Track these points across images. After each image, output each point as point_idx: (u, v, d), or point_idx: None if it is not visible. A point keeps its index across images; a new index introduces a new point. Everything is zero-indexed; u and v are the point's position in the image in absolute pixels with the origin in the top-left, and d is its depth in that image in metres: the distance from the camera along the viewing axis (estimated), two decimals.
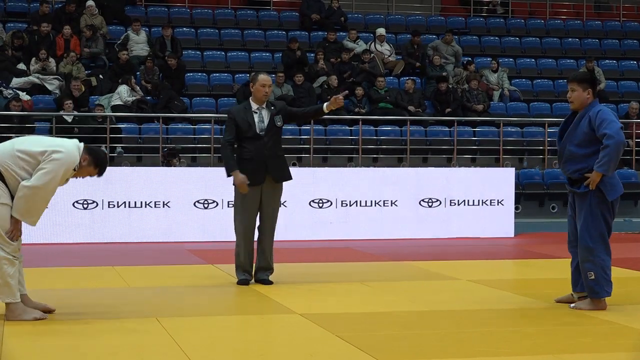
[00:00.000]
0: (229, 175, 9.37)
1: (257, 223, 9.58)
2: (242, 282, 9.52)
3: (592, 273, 7.99)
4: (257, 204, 9.45)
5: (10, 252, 7.43)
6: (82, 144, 7.56)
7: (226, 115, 10.00)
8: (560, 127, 8.31)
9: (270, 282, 9.56)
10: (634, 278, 10.49)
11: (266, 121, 9.44)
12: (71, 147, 7.47)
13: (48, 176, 7.29)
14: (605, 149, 7.79)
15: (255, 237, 9.61)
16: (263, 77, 9.48)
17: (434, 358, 6.40)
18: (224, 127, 9.77)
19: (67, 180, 7.56)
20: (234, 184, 9.39)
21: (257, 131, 9.38)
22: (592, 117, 7.92)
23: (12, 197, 7.39)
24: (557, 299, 8.43)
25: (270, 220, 9.56)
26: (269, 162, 9.40)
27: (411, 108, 18.54)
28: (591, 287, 8.04)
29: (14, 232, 7.42)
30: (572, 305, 8.15)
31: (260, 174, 9.34)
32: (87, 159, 7.55)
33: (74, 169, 7.45)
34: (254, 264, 9.65)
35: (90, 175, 7.75)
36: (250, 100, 9.56)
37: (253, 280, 9.60)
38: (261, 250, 9.59)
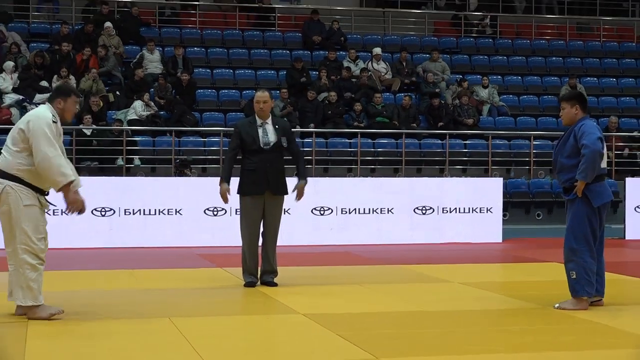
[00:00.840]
0: (219, 184, 9.51)
1: (261, 230, 9.60)
2: (249, 284, 9.53)
3: (574, 272, 8.01)
4: (260, 212, 9.47)
5: (35, 259, 7.37)
6: (48, 107, 7.49)
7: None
8: (557, 142, 8.43)
9: (275, 284, 9.57)
10: (614, 280, 10.49)
11: (270, 135, 9.44)
12: (38, 110, 7.48)
13: (40, 145, 7.17)
14: (582, 158, 7.88)
15: (260, 243, 9.63)
16: (258, 95, 9.57)
17: (428, 355, 6.41)
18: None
19: (70, 118, 7.65)
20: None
21: (261, 145, 9.39)
22: (577, 131, 8.00)
23: (38, 190, 7.35)
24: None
25: (272, 228, 9.58)
26: (270, 176, 9.42)
27: (395, 123, 18.57)
28: (572, 285, 8.06)
29: (75, 204, 7.38)
30: (557, 305, 8.16)
31: (261, 185, 9.38)
32: (59, 101, 7.51)
33: (54, 121, 7.32)
34: (260, 268, 9.66)
35: (77, 105, 7.72)
36: (255, 116, 9.58)
37: (259, 283, 9.61)
38: (265, 254, 9.60)
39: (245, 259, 9.56)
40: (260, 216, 9.51)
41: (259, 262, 9.65)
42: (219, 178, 9.66)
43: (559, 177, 8.22)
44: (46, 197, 7.59)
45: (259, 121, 9.50)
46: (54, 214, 13.56)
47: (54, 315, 7.48)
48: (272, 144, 9.42)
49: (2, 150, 7.46)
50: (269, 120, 9.54)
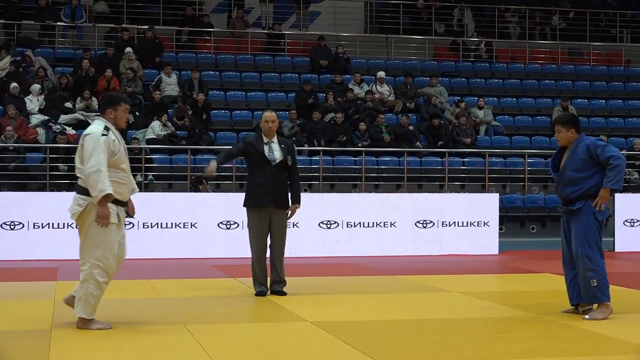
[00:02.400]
0: (209, 162, 9.43)
1: (269, 242, 9.56)
2: (260, 293, 9.48)
3: (595, 280, 7.95)
4: (267, 225, 9.42)
5: (104, 277, 7.36)
6: (99, 120, 7.48)
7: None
8: (552, 159, 8.39)
9: (284, 293, 9.53)
10: None
11: (275, 153, 9.43)
12: (91, 127, 7.42)
13: (85, 161, 7.18)
14: (615, 168, 7.84)
15: (268, 254, 9.59)
16: (266, 115, 9.56)
17: None
18: (244, 158, 9.75)
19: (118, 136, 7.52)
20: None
21: (268, 159, 9.38)
22: (591, 146, 7.97)
23: (119, 202, 7.40)
24: (563, 310, 8.32)
25: (279, 240, 9.52)
26: (274, 190, 9.39)
27: (387, 138, 18.55)
28: (594, 293, 7.98)
29: (102, 219, 7.21)
30: (587, 316, 8.02)
31: (267, 198, 9.34)
32: (110, 111, 7.47)
33: (103, 134, 7.27)
34: (269, 277, 9.61)
35: (128, 112, 7.71)
36: (262, 134, 9.56)
37: (269, 292, 9.57)
38: (273, 265, 9.56)
39: (255, 269, 9.51)
40: (267, 229, 9.47)
41: (268, 272, 9.59)
42: (244, 194, 9.58)
43: (565, 190, 8.08)
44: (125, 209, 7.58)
45: (265, 139, 9.48)
46: (76, 228, 13.57)
47: (101, 329, 7.37)
48: (277, 160, 9.41)
49: (77, 173, 7.43)
50: (275, 140, 9.52)
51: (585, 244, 7.97)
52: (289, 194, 9.58)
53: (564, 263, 8.27)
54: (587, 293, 8.04)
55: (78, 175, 7.38)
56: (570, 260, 8.17)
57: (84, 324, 7.37)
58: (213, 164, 9.32)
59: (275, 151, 9.46)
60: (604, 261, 8.04)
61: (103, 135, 7.27)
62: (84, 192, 7.28)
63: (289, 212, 9.58)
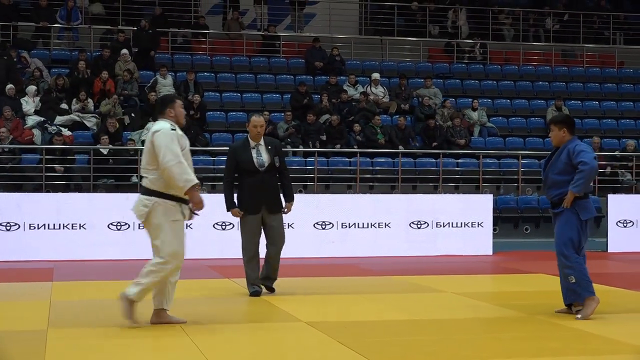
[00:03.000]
0: (228, 210, 9.54)
1: (263, 242, 9.63)
2: (254, 294, 9.51)
3: (573, 277, 8.02)
4: (259, 228, 9.50)
5: (175, 276, 7.57)
6: (162, 119, 7.55)
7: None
8: (545, 160, 8.45)
9: (273, 290, 9.66)
10: (598, 291, 10.44)
11: (264, 156, 9.46)
12: (157, 125, 7.48)
13: (161, 157, 7.28)
14: (580, 173, 7.93)
15: (263, 254, 9.67)
16: (254, 119, 9.56)
17: None
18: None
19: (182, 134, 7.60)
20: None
21: (257, 166, 9.42)
22: (571, 150, 8.05)
23: (182, 199, 7.43)
24: (557, 310, 8.35)
25: (277, 239, 9.57)
26: (266, 195, 9.45)
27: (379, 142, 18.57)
28: (574, 289, 8.06)
29: (200, 204, 7.46)
30: (579, 316, 8.06)
31: (258, 204, 9.41)
32: (170, 110, 7.57)
33: (172, 129, 7.42)
34: (262, 272, 9.66)
35: (183, 110, 7.75)
36: (248, 138, 9.58)
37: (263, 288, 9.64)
38: (267, 261, 9.62)
39: (247, 272, 9.57)
40: (259, 231, 9.54)
41: (261, 270, 9.65)
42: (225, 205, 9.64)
43: (549, 192, 8.22)
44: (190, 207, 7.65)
45: (252, 143, 9.52)
46: (72, 228, 13.58)
47: (177, 323, 7.56)
48: (266, 164, 9.43)
49: (142, 174, 7.52)
50: (262, 142, 9.55)
51: (561, 243, 8.08)
52: (282, 194, 9.65)
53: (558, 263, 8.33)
54: (568, 291, 8.11)
55: (144, 175, 7.47)
56: None
57: (161, 316, 7.58)
58: (234, 211, 9.47)
59: (262, 154, 9.48)
60: (582, 258, 8.08)
61: (172, 130, 7.41)
62: (149, 192, 7.41)
63: (285, 210, 9.64)
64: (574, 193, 7.94)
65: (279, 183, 9.66)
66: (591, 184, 8.25)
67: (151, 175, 7.40)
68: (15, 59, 19.22)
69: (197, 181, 7.36)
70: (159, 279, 7.43)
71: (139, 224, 13.59)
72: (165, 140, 7.31)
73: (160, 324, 7.51)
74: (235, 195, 9.59)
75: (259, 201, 9.42)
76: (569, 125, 8.28)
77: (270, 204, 9.49)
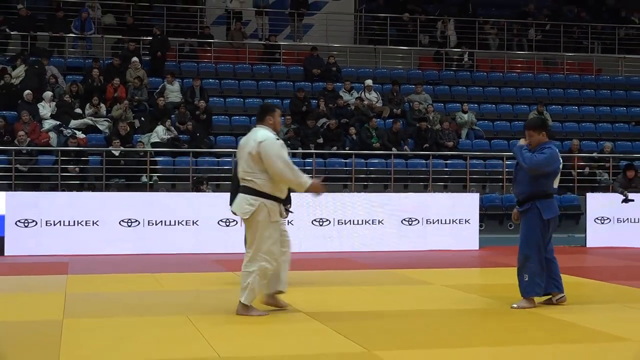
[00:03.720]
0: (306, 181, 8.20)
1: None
2: None
3: (527, 276, 8.05)
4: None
5: (270, 270, 7.63)
6: (261, 126, 7.69)
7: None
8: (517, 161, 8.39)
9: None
10: (577, 283, 10.47)
11: None
12: (261, 133, 7.57)
13: (272, 163, 7.42)
14: (532, 156, 7.96)
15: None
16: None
17: (414, 348, 6.39)
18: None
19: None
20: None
21: None
22: (536, 151, 8.05)
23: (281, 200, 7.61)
24: (538, 302, 8.32)
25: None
26: None
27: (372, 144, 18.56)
28: (524, 287, 8.09)
29: (322, 190, 7.80)
30: (514, 305, 8.12)
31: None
32: (269, 118, 7.71)
33: (277, 139, 7.62)
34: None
35: (280, 118, 7.92)
36: None
37: None
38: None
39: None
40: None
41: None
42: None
43: (516, 190, 8.23)
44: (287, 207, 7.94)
45: None
46: (86, 225, 13.57)
47: (260, 315, 7.66)
48: None
49: (244, 177, 7.60)
50: None
51: (525, 243, 8.07)
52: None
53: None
54: (521, 287, 8.13)
55: (247, 178, 7.55)
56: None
57: (245, 310, 7.62)
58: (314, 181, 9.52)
59: None
60: (539, 261, 8.06)
61: (277, 139, 7.61)
62: (255, 193, 7.51)
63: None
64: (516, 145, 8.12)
65: None
66: (556, 185, 8.16)
67: (258, 179, 7.51)
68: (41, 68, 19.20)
69: (310, 180, 7.59)
70: (260, 276, 7.56)
71: (148, 221, 13.70)
72: (273, 149, 7.45)
73: (248, 315, 7.62)
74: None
75: None
76: (547, 129, 8.29)
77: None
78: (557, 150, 8.17)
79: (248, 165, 7.52)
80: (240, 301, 7.63)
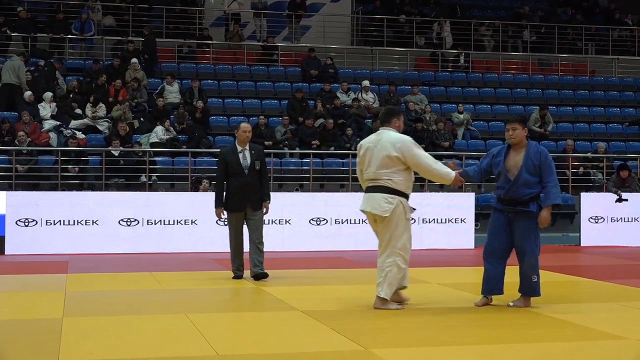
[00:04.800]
0: (215, 208, 10.19)
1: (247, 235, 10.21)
2: (237, 277, 10.22)
3: (535, 276, 7.99)
4: (242, 223, 10.16)
5: (405, 264, 7.84)
6: (387, 128, 7.89)
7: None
8: (494, 155, 8.16)
9: (266, 274, 10.04)
10: (572, 282, 10.47)
11: (248, 160, 10.04)
12: (394, 135, 7.82)
13: (417, 159, 7.69)
14: (555, 187, 7.84)
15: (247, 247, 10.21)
16: (243, 125, 10.22)
17: (411, 346, 6.37)
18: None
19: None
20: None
21: (242, 169, 9.98)
22: (542, 156, 7.88)
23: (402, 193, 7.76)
24: (477, 303, 8.20)
25: (256, 234, 10.12)
26: (249, 195, 10.03)
27: None
28: (533, 287, 8.01)
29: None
30: (511, 303, 8.10)
31: (242, 203, 10.02)
32: (395, 120, 7.96)
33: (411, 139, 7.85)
34: (249, 264, 10.14)
35: (402, 122, 8.10)
36: (236, 143, 10.17)
37: (250, 276, 10.08)
38: (252, 254, 10.08)
39: (232, 257, 10.26)
40: (242, 226, 10.18)
41: (243, 260, 10.28)
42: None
43: (520, 190, 7.87)
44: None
45: (239, 148, 10.11)
46: (85, 224, 13.55)
47: (397, 309, 7.80)
48: (249, 167, 9.98)
49: (378, 177, 7.79)
50: (247, 147, 10.11)
51: (533, 244, 7.93)
52: (262, 194, 10.18)
53: (491, 258, 8.10)
54: (528, 287, 8.02)
55: (385, 177, 7.75)
56: (501, 255, 8.07)
57: (383, 304, 7.79)
58: (218, 210, 10.17)
59: (247, 157, 10.05)
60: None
61: (411, 139, 7.82)
62: (392, 191, 7.74)
63: (264, 209, 10.18)
64: (558, 204, 7.92)
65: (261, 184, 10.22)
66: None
67: (396, 178, 7.73)
68: (50, 69, 19.17)
69: (453, 172, 7.81)
70: (396, 270, 7.75)
71: (147, 220, 13.67)
72: (414, 147, 7.72)
73: (385, 309, 7.77)
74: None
75: (243, 200, 10.01)
76: (526, 124, 8.24)
77: (252, 203, 10.06)
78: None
79: (383, 165, 7.75)
80: (378, 295, 7.79)
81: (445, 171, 7.79)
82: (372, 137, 7.99)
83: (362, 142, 8.03)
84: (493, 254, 8.09)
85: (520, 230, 7.95)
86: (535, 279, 7.97)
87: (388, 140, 7.74)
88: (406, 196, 7.81)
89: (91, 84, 18.88)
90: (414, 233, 14.35)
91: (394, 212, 7.73)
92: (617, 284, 10.09)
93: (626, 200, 15.69)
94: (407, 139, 7.81)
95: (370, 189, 7.87)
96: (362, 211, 8.07)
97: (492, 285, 8.12)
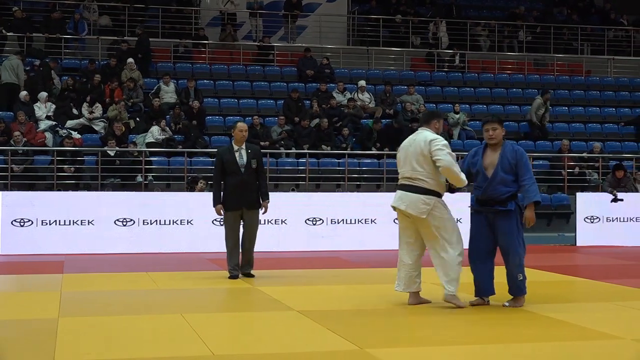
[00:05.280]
0: (214, 206, 10.20)
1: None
2: (233, 276, 10.22)
3: (521, 275, 8.02)
4: (239, 222, 10.21)
5: (461, 257, 7.91)
6: (426, 129, 8.03)
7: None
8: (471, 157, 8.20)
9: (252, 275, 10.24)
10: (568, 282, 10.48)
11: (245, 159, 10.12)
12: (427, 135, 7.94)
13: (441, 157, 7.77)
14: (532, 185, 7.87)
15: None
16: (240, 125, 10.30)
17: (407, 346, 6.37)
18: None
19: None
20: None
21: (239, 167, 10.06)
22: (518, 154, 7.94)
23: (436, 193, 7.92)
24: (472, 302, 8.21)
25: (250, 233, 10.25)
26: (246, 194, 10.10)
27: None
28: (519, 286, 8.04)
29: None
30: (507, 303, 8.10)
31: (239, 202, 10.09)
32: (435, 122, 8.12)
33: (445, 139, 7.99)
34: (240, 263, 10.32)
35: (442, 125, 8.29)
36: (232, 143, 10.24)
37: (240, 274, 10.25)
38: (244, 251, 10.26)
39: (229, 257, 10.26)
40: (239, 225, 10.22)
41: (239, 259, 10.31)
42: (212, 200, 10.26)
43: (497, 189, 7.90)
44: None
45: (235, 147, 10.18)
46: (81, 224, 13.53)
47: (461, 307, 7.91)
48: (245, 165, 10.06)
49: (414, 176, 7.92)
50: (244, 146, 10.19)
51: (516, 242, 7.93)
52: (260, 194, 10.26)
53: (478, 260, 8.09)
54: (515, 286, 8.04)
55: (421, 177, 7.88)
56: (486, 257, 8.07)
57: (455, 299, 7.92)
58: (218, 207, 10.15)
59: (243, 156, 10.13)
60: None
61: (445, 139, 7.96)
62: (428, 192, 7.88)
63: (262, 209, 10.24)
64: (539, 201, 7.88)
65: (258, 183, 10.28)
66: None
67: (429, 179, 7.87)
68: (45, 69, 19.13)
69: (464, 180, 7.90)
70: (458, 264, 7.88)
71: (143, 220, 13.65)
72: (443, 145, 7.82)
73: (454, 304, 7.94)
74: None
75: (240, 199, 10.07)
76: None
77: (248, 202, 10.13)
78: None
79: (419, 165, 7.86)
80: (450, 293, 7.90)
81: (461, 177, 7.85)
82: (410, 137, 8.15)
83: (403, 143, 8.18)
84: (478, 256, 8.11)
85: (502, 230, 7.95)
86: (521, 278, 7.99)
87: (422, 139, 7.90)
88: (440, 195, 7.98)
89: (86, 84, 18.86)
90: None
91: (435, 212, 7.88)
92: (613, 283, 10.10)
93: (622, 200, 15.71)
94: (440, 138, 7.91)
95: (406, 187, 7.97)
96: (394, 208, 8.12)
97: (482, 287, 8.15)
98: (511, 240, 7.93)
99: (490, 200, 7.96)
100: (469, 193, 15.86)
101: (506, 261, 8.04)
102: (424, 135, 7.93)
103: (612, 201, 15.71)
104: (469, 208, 8.32)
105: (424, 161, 7.83)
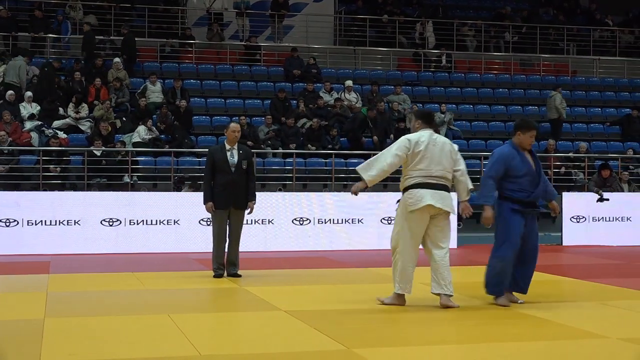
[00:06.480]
0: (204, 203, 10.27)
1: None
2: (217, 275, 10.32)
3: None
4: (226, 221, 10.26)
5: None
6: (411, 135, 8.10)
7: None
8: (510, 158, 8.25)
9: (239, 275, 10.30)
10: (553, 281, 10.52)
11: (236, 158, 10.21)
12: (438, 135, 8.14)
13: (463, 163, 8.19)
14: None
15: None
16: (233, 125, 10.43)
17: (393, 346, 6.38)
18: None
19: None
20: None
21: (229, 167, 10.13)
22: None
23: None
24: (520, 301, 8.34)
25: (236, 233, 10.33)
26: (234, 194, 10.17)
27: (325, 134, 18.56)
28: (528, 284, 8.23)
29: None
30: (521, 301, 8.21)
31: (228, 201, 10.17)
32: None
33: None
34: (226, 263, 10.41)
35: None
36: (225, 142, 10.33)
37: (225, 274, 10.33)
38: (229, 252, 10.34)
39: (215, 255, 10.34)
40: (226, 224, 10.28)
41: (224, 258, 10.38)
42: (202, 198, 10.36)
43: (538, 192, 8.23)
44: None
45: (227, 147, 10.28)
46: (67, 225, 13.49)
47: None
48: (236, 165, 10.14)
49: (445, 176, 8.07)
50: (235, 147, 10.28)
51: (537, 246, 8.29)
52: (248, 195, 10.30)
53: (511, 259, 8.18)
54: (528, 284, 8.28)
55: (448, 177, 8.08)
56: (521, 256, 8.20)
57: (449, 301, 7.98)
58: (208, 205, 10.18)
59: (235, 156, 10.22)
60: None
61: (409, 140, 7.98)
62: (450, 190, 8.14)
63: (248, 209, 10.30)
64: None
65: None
66: None
67: (451, 178, 8.15)
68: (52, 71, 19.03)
69: (467, 197, 8.22)
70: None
71: (130, 220, 13.62)
72: (452, 149, 8.07)
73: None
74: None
75: (228, 198, 10.14)
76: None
77: (236, 202, 10.21)
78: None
79: (450, 164, 8.06)
80: (451, 294, 7.98)
81: (467, 190, 8.16)
82: (423, 134, 8.01)
83: (414, 137, 8.00)
84: (513, 256, 8.15)
85: (535, 230, 8.26)
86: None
87: (446, 142, 8.08)
88: None
89: (69, 83, 18.77)
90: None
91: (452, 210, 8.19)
92: (599, 283, 10.15)
93: (607, 199, 15.79)
94: (448, 141, 8.16)
95: (438, 187, 8.04)
96: (431, 206, 8.03)
97: (521, 284, 8.27)
98: (538, 240, 8.28)
99: (534, 202, 8.24)
100: (455, 193, 15.92)
101: (532, 260, 8.23)
102: (444, 139, 8.14)
103: (598, 201, 15.78)
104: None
105: (450, 163, 8.04)
